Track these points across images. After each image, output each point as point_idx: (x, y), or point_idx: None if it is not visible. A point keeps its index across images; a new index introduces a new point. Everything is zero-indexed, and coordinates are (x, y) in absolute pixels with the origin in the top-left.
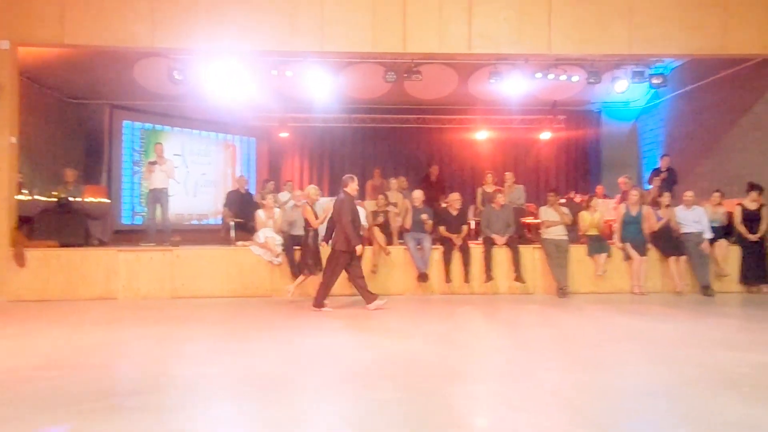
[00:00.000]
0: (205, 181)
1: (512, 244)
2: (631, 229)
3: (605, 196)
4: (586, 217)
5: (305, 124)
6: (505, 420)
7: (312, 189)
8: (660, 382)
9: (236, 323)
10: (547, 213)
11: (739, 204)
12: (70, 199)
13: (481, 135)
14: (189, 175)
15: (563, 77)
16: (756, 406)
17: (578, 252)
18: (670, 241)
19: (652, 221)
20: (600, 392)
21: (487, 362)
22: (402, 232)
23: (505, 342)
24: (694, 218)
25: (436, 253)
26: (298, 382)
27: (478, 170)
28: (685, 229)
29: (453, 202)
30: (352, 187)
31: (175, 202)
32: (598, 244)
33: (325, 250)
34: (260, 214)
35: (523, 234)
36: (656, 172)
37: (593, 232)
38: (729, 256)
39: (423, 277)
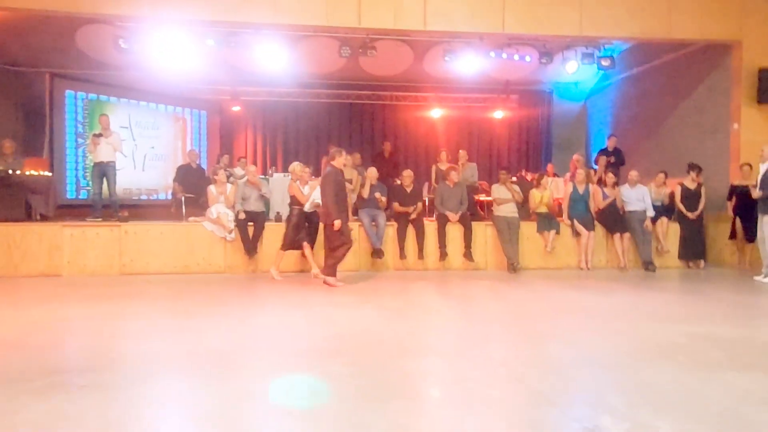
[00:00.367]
0: (154, 154)
1: (465, 221)
2: (579, 206)
3: (555, 175)
4: (536, 195)
5: (258, 98)
6: (454, 392)
7: (297, 166)
8: (600, 353)
9: (187, 300)
10: (498, 191)
11: (680, 183)
12: (9, 171)
13: (436, 112)
14: (137, 149)
15: (516, 57)
16: (688, 375)
17: (528, 229)
18: (615, 219)
19: (598, 199)
20: (544, 363)
21: (438, 336)
22: (357, 209)
23: (457, 317)
24: (637, 197)
25: (391, 230)
26: (248, 358)
27: (433, 147)
28: (629, 207)
29: (405, 178)
30: (339, 161)
31: (123, 176)
32: (547, 221)
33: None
34: (212, 189)
35: (475, 211)
36: (603, 152)
37: (543, 209)
38: (669, 233)
39: (378, 253)
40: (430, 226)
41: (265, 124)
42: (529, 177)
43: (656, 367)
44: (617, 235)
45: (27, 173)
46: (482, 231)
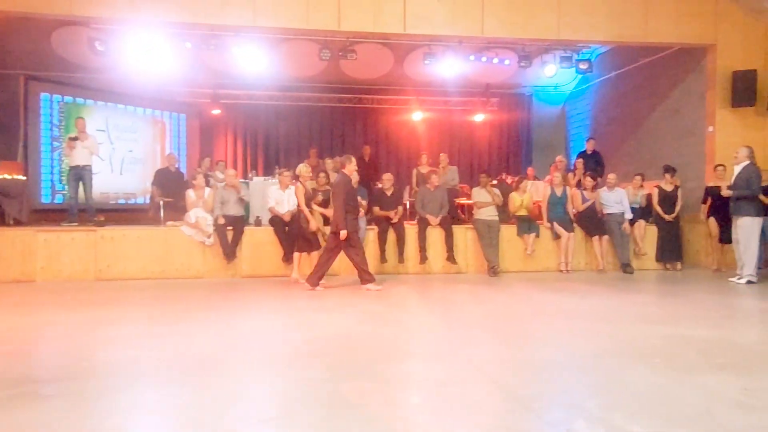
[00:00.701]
0: (132, 158)
1: (445, 225)
2: (558, 209)
3: (535, 178)
4: (516, 199)
5: (238, 101)
6: (433, 396)
7: (303, 168)
8: (578, 356)
9: (164, 306)
10: (479, 194)
11: (657, 186)
12: None
13: (417, 116)
14: (114, 152)
15: (496, 60)
16: (664, 377)
17: (509, 232)
18: (594, 222)
19: (577, 202)
20: (522, 366)
21: (418, 340)
22: None
23: (437, 320)
24: (616, 200)
25: (372, 234)
26: (227, 364)
27: (413, 151)
28: (607, 210)
29: (385, 182)
30: (350, 168)
31: (100, 180)
32: (527, 224)
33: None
34: (190, 193)
35: (456, 215)
36: (582, 154)
37: (523, 212)
38: (647, 235)
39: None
40: (411, 229)
41: (246, 127)
42: (509, 180)
43: (633, 369)
44: (596, 238)
45: (0, 177)
46: (463, 234)
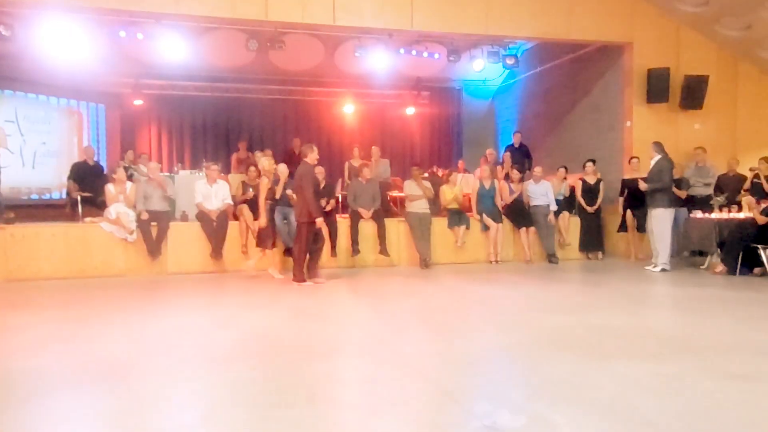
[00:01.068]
0: (45, 151)
1: (378, 218)
2: (486, 201)
3: (466, 171)
4: (446, 191)
5: (163, 91)
6: (361, 393)
7: (265, 162)
8: (504, 346)
9: (81, 307)
10: (410, 187)
11: (581, 178)
12: None
13: (348, 108)
14: (26, 145)
15: (425, 54)
16: (584, 365)
17: (440, 224)
18: (521, 214)
19: (505, 194)
20: (450, 359)
21: (348, 336)
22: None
23: (367, 315)
24: (542, 192)
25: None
26: (147, 367)
27: (345, 144)
28: (534, 202)
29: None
30: (312, 157)
31: (10, 175)
32: (457, 216)
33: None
34: (110, 188)
35: (388, 207)
36: (509, 148)
37: (453, 205)
38: (570, 226)
39: (290, 252)
40: (343, 223)
41: (171, 119)
42: (440, 173)
43: (556, 358)
44: (523, 230)
45: None
46: (395, 227)
